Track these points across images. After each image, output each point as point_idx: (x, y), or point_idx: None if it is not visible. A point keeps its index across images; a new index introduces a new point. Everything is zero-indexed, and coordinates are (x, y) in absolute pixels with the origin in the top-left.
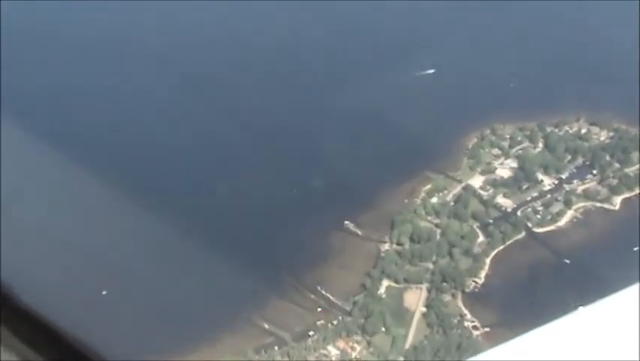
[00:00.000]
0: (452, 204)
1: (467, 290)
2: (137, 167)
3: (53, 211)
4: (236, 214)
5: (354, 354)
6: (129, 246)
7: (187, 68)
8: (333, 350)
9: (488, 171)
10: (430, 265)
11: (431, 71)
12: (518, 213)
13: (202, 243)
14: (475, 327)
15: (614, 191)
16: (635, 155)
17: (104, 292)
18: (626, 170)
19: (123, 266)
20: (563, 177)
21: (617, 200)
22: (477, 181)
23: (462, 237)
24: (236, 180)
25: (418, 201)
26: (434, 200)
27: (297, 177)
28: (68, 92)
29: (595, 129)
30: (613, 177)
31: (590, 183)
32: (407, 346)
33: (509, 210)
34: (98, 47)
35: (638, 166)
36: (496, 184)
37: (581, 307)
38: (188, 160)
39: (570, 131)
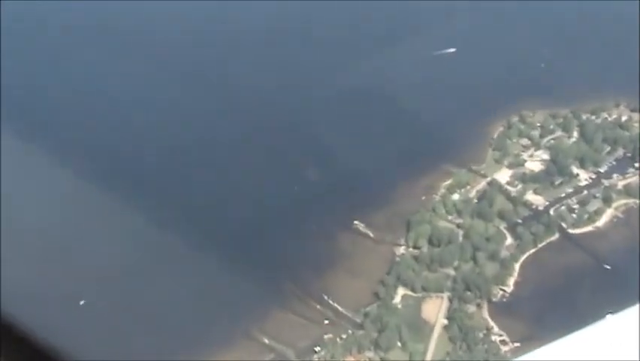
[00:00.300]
0: (476, 201)
1: (494, 300)
2: (132, 167)
3: (43, 215)
4: (233, 214)
5: None
6: (120, 251)
7: (189, 65)
8: None
9: (516, 164)
10: (452, 272)
11: (452, 49)
12: (551, 211)
13: (195, 246)
14: (503, 342)
15: None
16: None
17: (81, 302)
18: None
19: (113, 273)
20: (602, 170)
21: None
22: (504, 176)
23: (487, 239)
24: (233, 177)
25: (437, 198)
26: (455, 197)
27: (299, 171)
28: (65, 93)
29: (637, 116)
30: None
31: (632, 178)
32: None
33: (541, 208)
34: (95, 49)
35: None
36: (526, 179)
37: (609, 315)
38: (184, 158)
39: (609, 119)
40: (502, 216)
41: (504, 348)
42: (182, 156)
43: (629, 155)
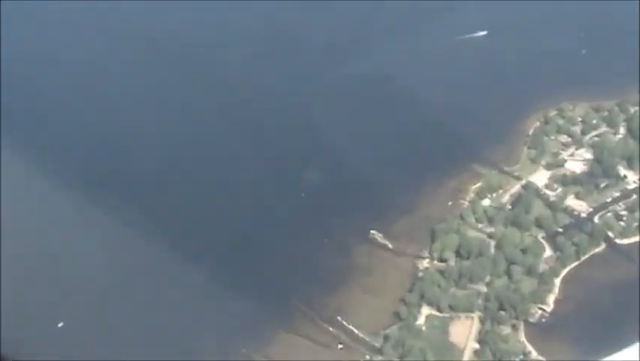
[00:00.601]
0: (509, 207)
1: (532, 320)
2: (126, 178)
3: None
4: (233, 225)
5: None
6: (112, 268)
7: (200, 71)
8: None
9: (555, 164)
10: (483, 288)
11: (482, 33)
12: (596, 219)
13: (193, 261)
14: None
15: None
16: None
17: (59, 324)
18: None
19: (100, 292)
20: None
21: None
22: (541, 178)
23: (523, 250)
24: (234, 183)
25: (466, 203)
26: (486, 203)
27: (306, 175)
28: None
29: None
30: None
31: None
32: None
33: (584, 215)
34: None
35: None
36: (566, 181)
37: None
38: (182, 164)
39: None
40: (539, 224)
41: None
42: (179, 162)
43: None
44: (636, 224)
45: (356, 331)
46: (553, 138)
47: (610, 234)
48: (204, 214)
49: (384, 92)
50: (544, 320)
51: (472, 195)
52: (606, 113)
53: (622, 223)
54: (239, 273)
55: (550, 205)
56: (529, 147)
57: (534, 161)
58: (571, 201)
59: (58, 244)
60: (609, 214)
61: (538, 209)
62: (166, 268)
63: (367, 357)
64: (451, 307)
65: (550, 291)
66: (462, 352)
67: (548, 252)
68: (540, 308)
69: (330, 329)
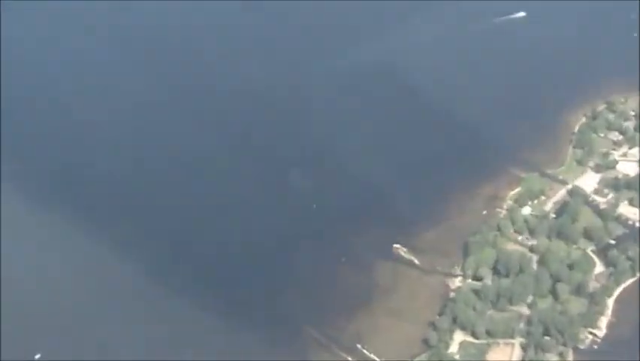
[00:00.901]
0: (553, 216)
1: (581, 347)
2: (118, 195)
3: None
4: (236, 239)
5: None
6: (109, 295)
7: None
8: None
9: (605, 166)
10: (525, 310)
11: (521, 14)
12: None
13: (191, 281)
14: None
15: None
16: None
17: (37, 356)
18: None
19: (88, 321)
20: None
21: None
22: (589, 181)
23: (570, 266)
24: (237, 192)
25: (503, 212)
26: (526, 211)
27: (318, 182)
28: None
29: None
30: None
31: None
32: None
33: (639, 225)
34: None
35: None
36: (619, 186)
37: None
38: (181, 172)
39: None
40: (588, 235)
41: None
42: (178, 176)
43: None
44: None
45: None
46: (602, 135)
47: None
48: (206, 230)
49: (409, 85)
50: (595, 347)
51: (510, 202)
52: None
53: None
54: (243, 296)
55: (601, 214)
56: (574, 147)
57: (581, 162)
58: (624, 209)
59: (40, 274)
60: None
61: (586, 218)
62: (166, 290)
63: None
64: (489, 333)
65: (602, 313)
66: None
67: (599, 267)
68: (591, 333)
69: (349, 358)
